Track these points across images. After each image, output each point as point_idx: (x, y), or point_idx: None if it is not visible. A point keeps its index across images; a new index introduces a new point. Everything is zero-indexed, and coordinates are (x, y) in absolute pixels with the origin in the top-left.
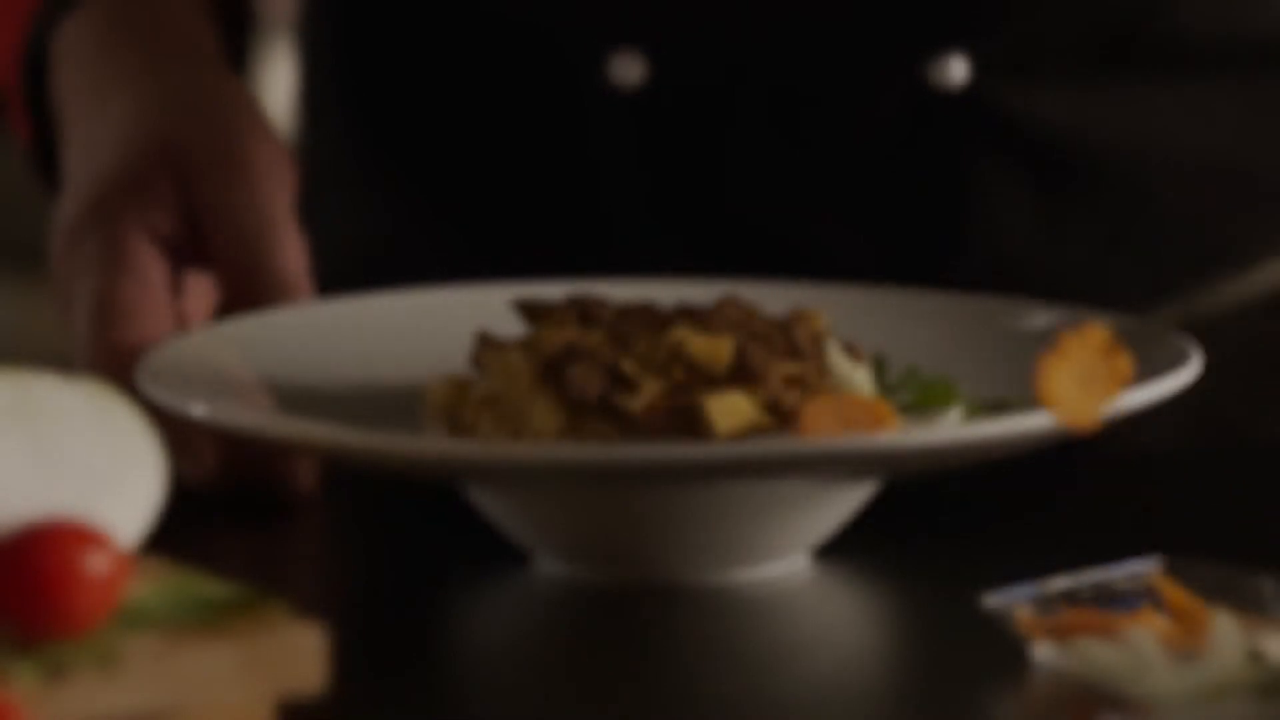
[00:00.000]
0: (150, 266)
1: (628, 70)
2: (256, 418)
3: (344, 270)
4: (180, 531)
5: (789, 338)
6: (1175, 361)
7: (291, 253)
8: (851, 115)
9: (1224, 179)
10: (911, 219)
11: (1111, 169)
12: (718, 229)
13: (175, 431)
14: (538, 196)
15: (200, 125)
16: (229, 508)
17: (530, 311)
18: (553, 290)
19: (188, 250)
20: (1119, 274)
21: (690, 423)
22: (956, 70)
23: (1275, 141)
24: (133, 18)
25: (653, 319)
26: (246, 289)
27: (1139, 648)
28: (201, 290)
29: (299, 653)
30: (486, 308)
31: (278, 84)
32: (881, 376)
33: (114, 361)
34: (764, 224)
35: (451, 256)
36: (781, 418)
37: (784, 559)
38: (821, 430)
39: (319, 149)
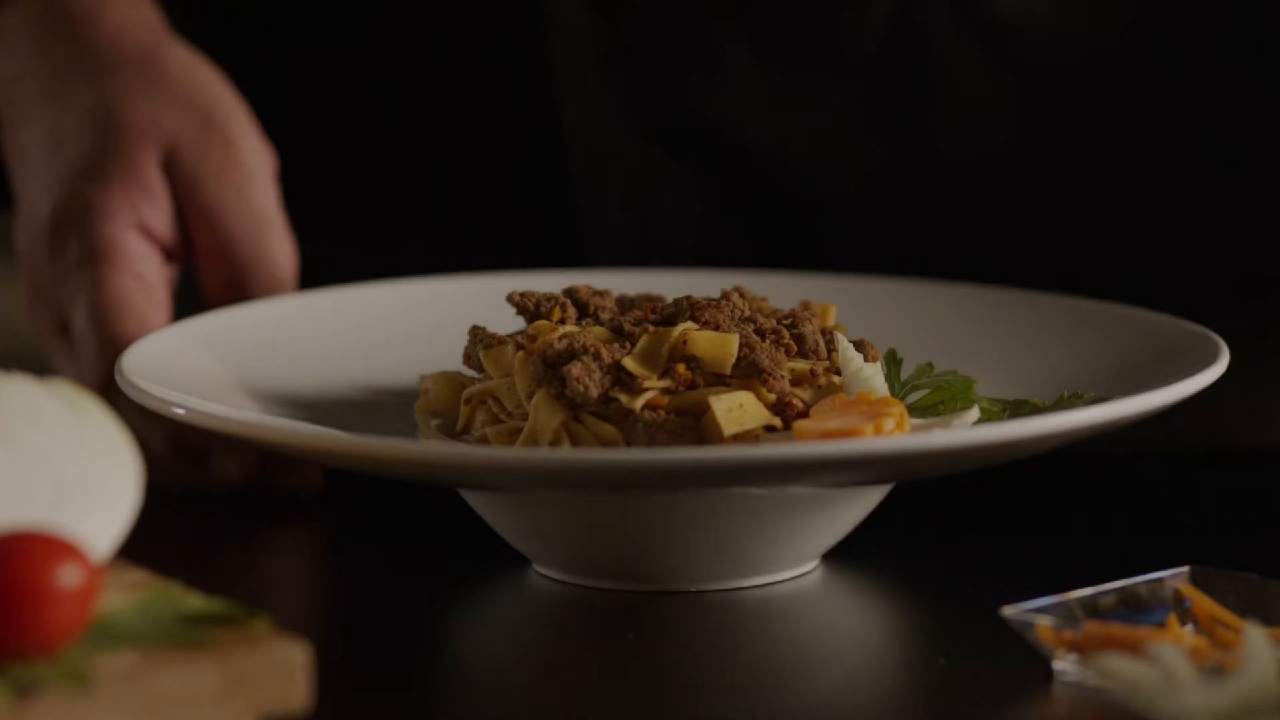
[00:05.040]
0: (145, 262)
1: None
2: (247, 420)
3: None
4: (158, 541)
5: (798, 333)
6: (1204, 359)
7: (282, 249)
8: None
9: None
10: (886, 117)
11: (1091, 74)
12: (692, 130)
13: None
14: (503, 112)
15: (183, 114)
16: (210, 515)
17: (526, 305)
18: (549, 282)
19: (173, 243)
20: (1107, 200)
21: (695, 423)
22: None
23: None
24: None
25: (655, 313)
26: (237, 286)
27: (1167, 663)
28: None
29: (283, 670)
30: (479, 299)
31: None
32: (896, 373)
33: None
34: (737, 124)
35: (418, 190)
36: (790, 418)
37: (793, 565)
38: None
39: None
